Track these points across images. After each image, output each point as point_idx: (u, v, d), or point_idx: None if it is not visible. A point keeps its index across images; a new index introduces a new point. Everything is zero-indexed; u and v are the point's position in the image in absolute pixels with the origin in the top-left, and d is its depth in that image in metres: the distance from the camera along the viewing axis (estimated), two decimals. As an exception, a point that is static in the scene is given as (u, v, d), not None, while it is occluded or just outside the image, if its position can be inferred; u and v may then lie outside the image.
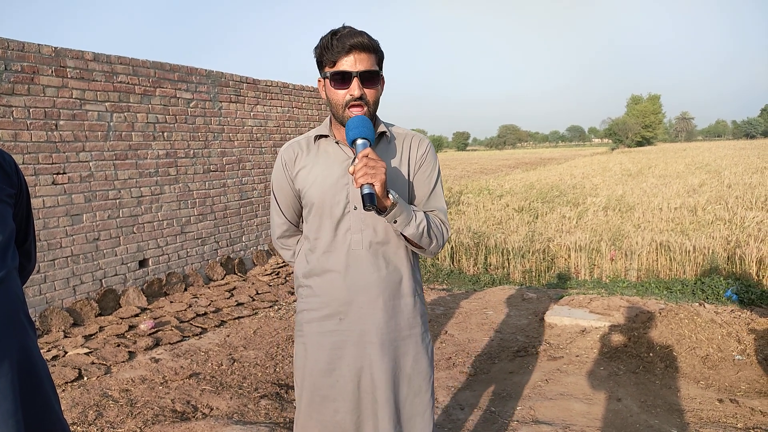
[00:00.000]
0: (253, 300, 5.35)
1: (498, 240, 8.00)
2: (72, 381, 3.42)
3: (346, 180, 1.53)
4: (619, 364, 3.68)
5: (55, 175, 4.37)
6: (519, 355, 4.00)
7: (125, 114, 4.94)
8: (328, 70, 1.46)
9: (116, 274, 4.87)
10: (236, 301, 5.24)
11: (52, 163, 4.35)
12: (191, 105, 5.64)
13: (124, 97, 4.92)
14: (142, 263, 5.15)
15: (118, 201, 4.88)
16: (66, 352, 3.84)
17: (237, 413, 3.07)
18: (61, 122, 4.42)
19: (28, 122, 4.19)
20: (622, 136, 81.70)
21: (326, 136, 1.58)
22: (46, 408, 1.31)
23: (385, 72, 1.55)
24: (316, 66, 1.52)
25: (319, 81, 1.54)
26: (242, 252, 6.37)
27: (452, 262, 7.89)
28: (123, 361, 3.75)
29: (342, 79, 1.44)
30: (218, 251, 6.01)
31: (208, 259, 5.86)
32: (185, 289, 5.41)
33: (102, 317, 4.58)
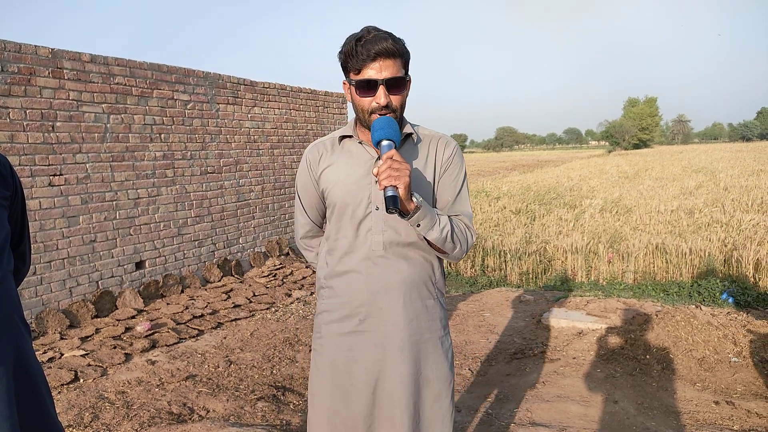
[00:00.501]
0: (250, 302, 5.34)
1: (495, 242, 8.00)
2: (68, 383, 3.41)
3: (369, 180, 1.51)
4: (615, 367, 3.68)
5: (51, 177, 4.36)
6: (516, 358, 4.00)
7: (122, 116, 4.93)
8: (353, 77, 1.44)
9: (113, 276, 4.86)
10: (233, 303, 5.23)
11: (49, 165, 4.34)
12: (188, 107, 5.64)
13: (121, 98, 4.92)
14: (139, 265, 5.14)
15: (114, 203, 4.87)
16: (62, 354, 3.83)
17: (233, 415, 3.06)
18: (58, 124, 4.41)
19: (25, 124, 4.18)
20: (618, 138, 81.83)
21: (350, 137, 1.56)
22: (42, 410, 1.31)
23: None
24: (341, 70, 1.50)
25: (344, 84, 1.52)
26: (239, 254, 6.36)
27: (449, 264, 7.89)
28: (119, 363, 3.74)
29: (367, 87, 1.42)
30: (215, 253, 6.00)
31: (204, 261, 5.85)
32: (182, 291, 5.40)
33: (98, 319, 4.56)
